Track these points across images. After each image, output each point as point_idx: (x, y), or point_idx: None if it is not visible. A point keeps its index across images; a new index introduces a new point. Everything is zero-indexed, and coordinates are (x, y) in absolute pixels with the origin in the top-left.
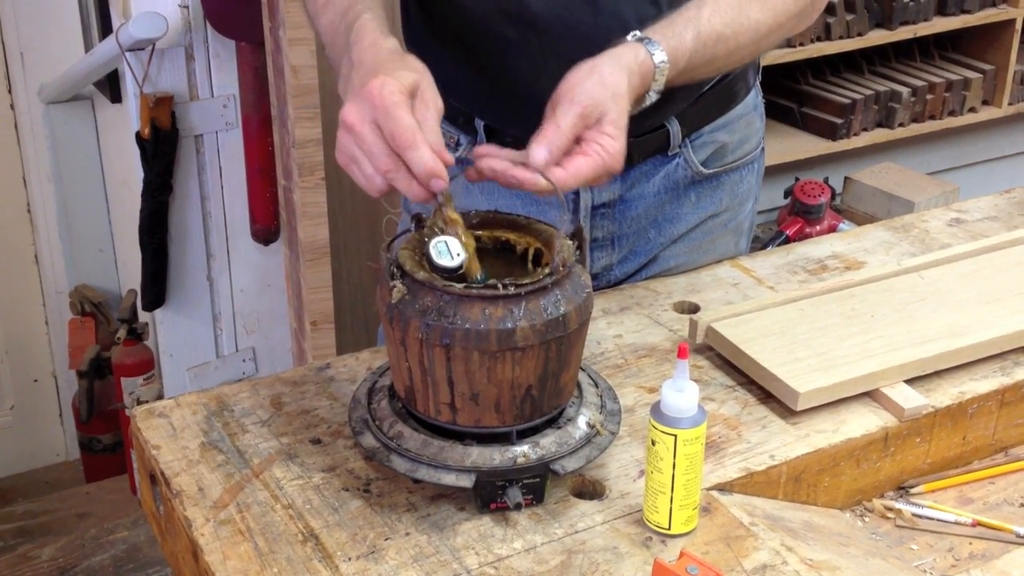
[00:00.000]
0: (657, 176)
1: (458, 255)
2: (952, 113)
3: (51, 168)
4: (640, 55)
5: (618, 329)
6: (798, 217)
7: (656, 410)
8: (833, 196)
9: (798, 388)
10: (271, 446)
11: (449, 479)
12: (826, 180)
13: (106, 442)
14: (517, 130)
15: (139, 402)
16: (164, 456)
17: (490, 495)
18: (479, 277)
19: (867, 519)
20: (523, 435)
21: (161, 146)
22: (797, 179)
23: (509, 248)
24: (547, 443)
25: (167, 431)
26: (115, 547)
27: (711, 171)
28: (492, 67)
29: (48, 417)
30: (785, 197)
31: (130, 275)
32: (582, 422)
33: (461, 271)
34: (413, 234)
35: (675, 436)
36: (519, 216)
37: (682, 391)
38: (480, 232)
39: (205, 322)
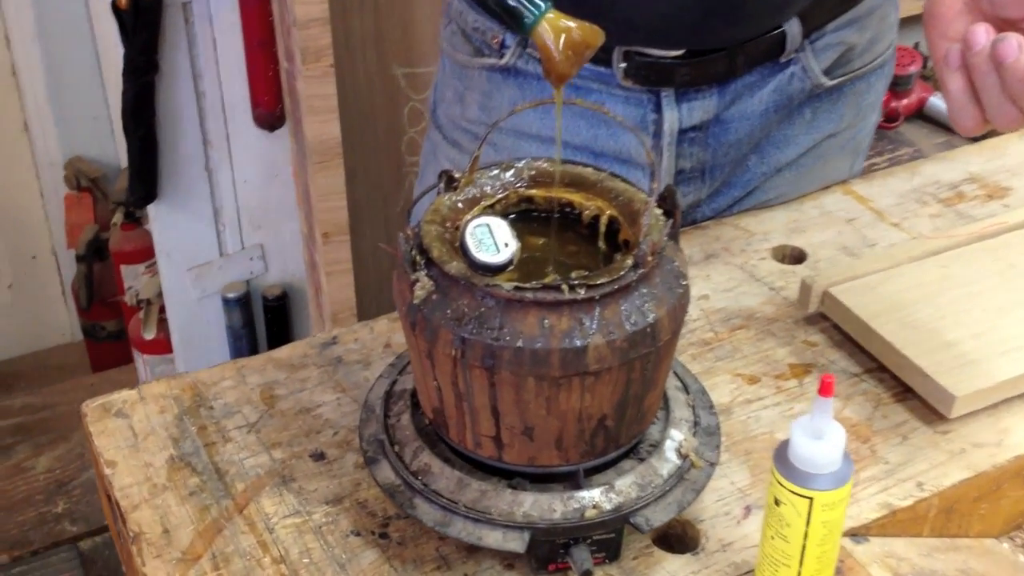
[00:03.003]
0: (765, 89)
1: (506, 245)
2: None
3: (35, 25)
4: None
5: (703, 287)
6: None
7: (782, 459)
8: (924, 64)
9: (953, 390)
10: (260, 463)
11: (493, 539)
12: (916, 46)
13: (110, 329)
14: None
15: (139, 301)
16: (120, 478)
17: (549, 555)
18: None
19: None
20: (592, 471)
21: (142, 17)
22: None
23: (573, 215)
24: (625, 485)
25: (126, 439)
26: None
27: (834, 81)
28: None
29: (50, 296)
30: None
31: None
32: (670, 450)
33: (511, 266)
34: (443, 198)
35: (810, 500)
36: (588, 167)
37: (822, 437)
38: (533, 191)
39: (205, 218)
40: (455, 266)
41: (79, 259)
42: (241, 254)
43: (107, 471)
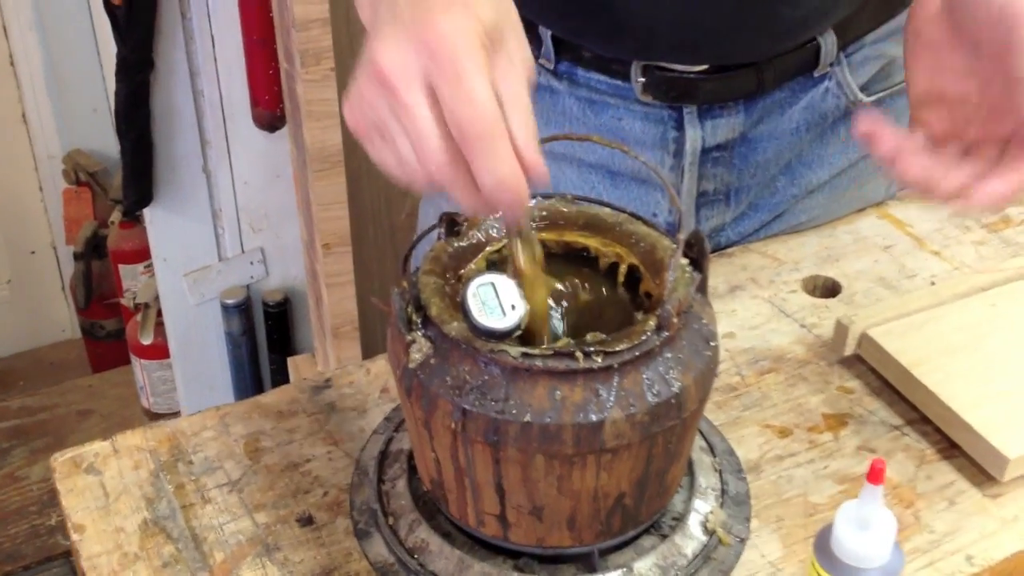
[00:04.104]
0: (796, 107)
1: (513, 307)
2: None
3: (33, 13)
4: None
5: (729, 323)
6: None
7: (824, 549)
8: None
9: (1006, 451)
10: (241, 529)
11: None
12: None
13: (109, 328)
14: (603, 49)
15: (136, 305)
16: (89, 545)
17: None
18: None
19: None
20: (608, 550)
21: (137, 13)
22: None
23: (589, 259)
24: (645, 568)
25: (96, 499)
26: None
27: (872, 98)
28: None
29: (49, 292)
30: None
31: None
32: (695, 524)
33: (519, 332)
34: (443, 244)
35: None
36: (606, 208)
37: (869, 527)
38: (545, 235)
39: (203, 220)
40: (456, 327)
41: (77, 257)
42: (241, 258)
43: (75, 536)
